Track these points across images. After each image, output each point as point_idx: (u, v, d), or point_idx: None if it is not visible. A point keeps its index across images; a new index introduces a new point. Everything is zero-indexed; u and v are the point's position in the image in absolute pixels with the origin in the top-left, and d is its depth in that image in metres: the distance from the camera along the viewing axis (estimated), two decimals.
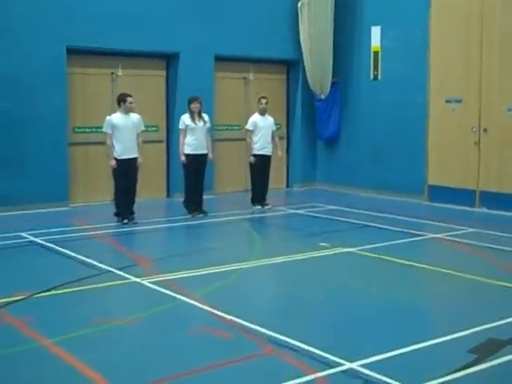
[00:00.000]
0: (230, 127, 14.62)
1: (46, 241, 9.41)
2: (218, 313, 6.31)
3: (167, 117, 13.87)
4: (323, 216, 11.65)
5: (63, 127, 12.38)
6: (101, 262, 8.15)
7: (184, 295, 6.88)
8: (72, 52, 12.40)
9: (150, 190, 13.59)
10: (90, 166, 12.76)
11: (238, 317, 6.15)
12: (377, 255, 8.65)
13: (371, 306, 6.69)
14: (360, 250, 8.91)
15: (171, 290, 7.04)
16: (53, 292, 7.02)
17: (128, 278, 7.52)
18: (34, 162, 12.03)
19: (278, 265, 8.28)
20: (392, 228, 10.48)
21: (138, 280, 7.46)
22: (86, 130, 12.69)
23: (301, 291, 7.25)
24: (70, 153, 12.59)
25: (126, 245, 9.54)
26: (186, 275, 7.71)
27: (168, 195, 13.94)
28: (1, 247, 9.13)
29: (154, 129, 13.69)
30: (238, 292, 7.28)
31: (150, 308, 6.62)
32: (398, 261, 8.39)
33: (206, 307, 6.49)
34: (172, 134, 13.40)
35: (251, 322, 6.00)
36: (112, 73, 13.14)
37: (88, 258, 8.40)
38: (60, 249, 8.93)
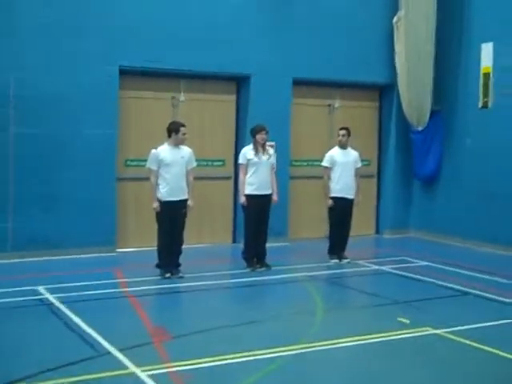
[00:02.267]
0: (309, 163, 12.56)
1: (60, 300, 7.67)
2: None
3: (236, 149, 11.96)
4: (413, 276, 9.33)
5: (112, 159, 10.73)
6: (105, 338, 6.25)
7: None
8: (126, 73, 10.78)
9: (213, 235, 11.81)
10: (143, 205, 10.69)
11: None
12: (479, 345, 6.27)
13: None
14: (453, 334, 6.56)
15: None
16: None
17: (124, 367, 5.56)
18: (76, 199, 10.43)
19: (334, 352, 6.12)
20: (504, 299, 8.07)
21: (136, 371, 5.48)
22: (140, 163, 10.86)
23: None
24: (119, 189, 10.92)
25: (151, 309, 7.61)
26: (208, 364, 5.68)
27: (234, 240, 11.99)
28: (4, 306, 7.44)
29: (219, 163, 11.87)
30: None
31: None
32: None
33: None
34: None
35: None
36: (172, 97, 11.44)
37: (94, 329, 6.54)
38: (70, 314, 7.13)
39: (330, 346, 6.21)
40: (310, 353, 6.05)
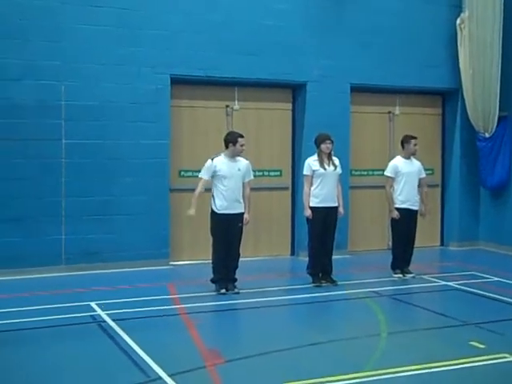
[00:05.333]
0: (369, 172, 12.04)
1: (112, 317, 7.37)
2: None
3: (293, 159, 11.55)
4: (484, 293, 8.71)
5: (165, 170, 10.47)
6: (156, 361, 5.88)
7: None
8: (178, 82, 10.49)
9: (270, 247, 11.50)
10: (197, 217, 9.87)
11: None
12: None
13: None
14: None
15: None
16: None
17: None
18: (129, 211, 10.21)
19: (398, 381, 5.58)
20: None
21: None
22: (194, 173, 10.44)
23: None
24: (172, 200, 10.61)
25: (205, 329, 7.18)
26: None
27: (292, 253, 11.56)
28: (55, 323, 7.17)
29: (276, 173, 11.48)
30: None
31: None
32: None
33: None
34: (299, 179, 10.95)
35: None
36: (227, 106, 11.10)
37: (145, 350, 6.19)
38: (121, 332, 6.81)
39: (394, 375, 5.65)
40: (371, 382, 5.53)
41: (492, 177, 12.00)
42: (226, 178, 8.63)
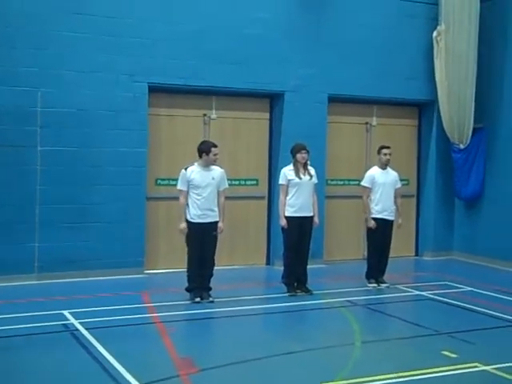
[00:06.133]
0: (345, 182, 12.10)
1: (85, 326, 7.32)
2: None
3: (269, 168, 11.58)
4: (457, 303, 8.79)
5: (142, 178, 10.42)
6: (129, 371, 5.86)
7: None
8: (156, 90, 10.48)
9: (246, 257, 11.42)
10: (173, 226, 9.95)
11: None
12: None
13: None
14: (506, 372, 6.00)
15: None
16: None
17: None
18: (104, 219, 10.14)
19: None
20: None
21: None
22: (171, 182, 10.47)
23: None
24: (148, 209, 10.59)
25: (179, 337, 7.16)
26: None
27: (268, 262, 11.57)
28: (27, 332, 7.11)
29: (253, 182, 11.50)
30: None
31: None
32: None
33: None
34: (275, 189, 10.91)
35: None
36: (204, 115, 11.09)
37: (118, 360, 6.16)
38: (94, 341, 6.76)
39: None
40: None
41: (466, 188, 12.12)
42: (200, 187, 8.61)
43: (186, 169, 8.72)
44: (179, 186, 8.73)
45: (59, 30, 9.76)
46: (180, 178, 8.71)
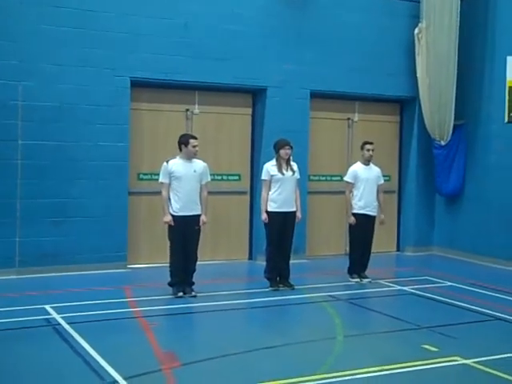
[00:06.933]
0: (328, 177, 12.15)
1: (67, 320, 7.29)
2: None
3: (251, 163, 11.59)
4: (438, 298, 8.86)
5: (124, 173, 10.39)
6: (112, 365, 5.85)
7: None
8: (138, 85, 10.45)
9: (228, 251, 11.42)
10: (156, 221, 10.18)
11: None
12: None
13: None
14: (484, 365, 6.07)
15: None
16: None
17: None
18: (86, 214, 10.12)
19: (354, 383, 5.66)
20: None
21: None
22: (153, 176, 10.46)
23: None
24: (131, 203, 10.57)
25: (161, 332, 7.17)
26: None
27: (250, 257, 11.59)
28: (8, 326, 7.09)
29: (235, 177, 11.50)
30: None
31: None
32: None
33: None
34: (257, 184, 10.99)
35: None
36: (187, 110, 11.08)
37: (101, 354, 6.15)
38: (76, 336, 6.74)
39: (349, 377, 5.72)
40: None
41: (447, 184, 12.22)
42: (182, 179, 8.60)
43: (167, 161, 8.72)
44: (161, 179, 8.72)
45: (40, 23, 9.69)
46: (162, 171, 8.70)
